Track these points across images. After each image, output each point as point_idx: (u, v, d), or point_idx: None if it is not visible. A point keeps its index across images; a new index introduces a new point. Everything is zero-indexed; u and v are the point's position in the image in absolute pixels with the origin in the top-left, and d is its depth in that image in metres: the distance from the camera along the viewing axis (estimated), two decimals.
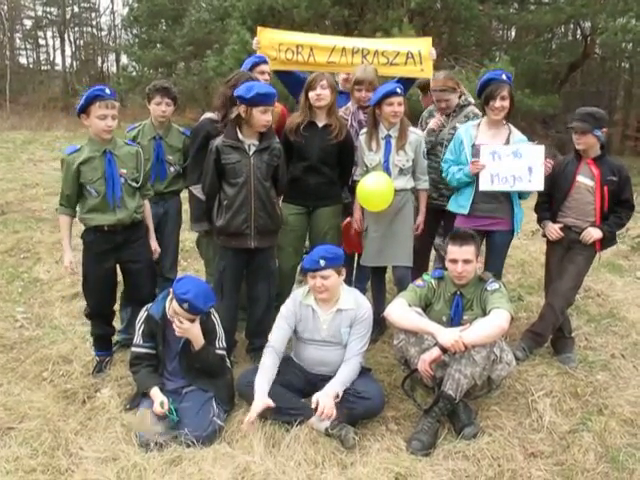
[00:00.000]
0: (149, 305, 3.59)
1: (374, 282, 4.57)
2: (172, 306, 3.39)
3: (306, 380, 3.56)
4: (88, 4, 31.61)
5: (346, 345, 3.53)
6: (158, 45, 18.97)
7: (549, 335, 4.25)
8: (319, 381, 3.47)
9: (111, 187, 3.67)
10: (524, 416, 3.52)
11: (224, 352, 3.58)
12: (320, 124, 4.12)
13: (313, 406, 3.25)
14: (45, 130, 18.29)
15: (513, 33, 20.48)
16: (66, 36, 30.80)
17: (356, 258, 4.66)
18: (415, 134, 4.18)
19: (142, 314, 3.58)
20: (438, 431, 3.35)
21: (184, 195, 4.61)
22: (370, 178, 4.05)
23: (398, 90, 4.00)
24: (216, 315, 3.60)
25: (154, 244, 4.07)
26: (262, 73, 4.29)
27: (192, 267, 6.04)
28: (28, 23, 31.93)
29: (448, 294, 3.67)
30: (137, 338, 3.54)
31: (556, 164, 4.17)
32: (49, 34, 32.08)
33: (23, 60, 31.81)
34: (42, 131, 18.03)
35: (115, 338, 4.19)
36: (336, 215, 4.32)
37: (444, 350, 3.32)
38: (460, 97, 4.56)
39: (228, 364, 3.67)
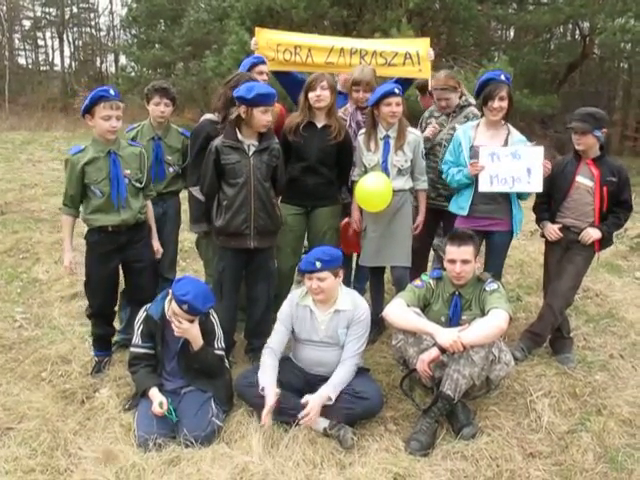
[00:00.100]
0: (148, 305, 3.59)
1: (372, 282, 4.57)
2: (171, 307, 3.39)
3: (305, 380, 3.56)
4: (87, 4, 31.57)
5: (343, 346, 3.53)
6: (157, 45, 18.94)
7: (548, 335, 4.25)
8: (318, 381, 3.47)
9: (116, 187, 3.68)
10: (523, 416, 3.53)
11: (223, 352, 3.58)
12: (319, 125, 4.13)
13: (303, 403, 3.27)
14: (44, 130, 18.27)
15: (512, 33, 20.51)
16: (65, 36, 30.80)
17: (355, 258, 4.66)
18: (414, 134, 4.18)
19: (141, 314, 3.58)
20: (437, 431, 3.35)
21: (183, 195, 4.62)
22: (369, 178, 4.05)
23: (396, 90, 4.00)
24: (215, 316, 3.60)
25: (156, 244, 4.08)
26: (260, 73, 4.30)
27: (191, 267, 6.04)
28: (27, 24, 31.91)
29: (447, 294, 3.67)
30: (136, 338, 3.54)
31: (555, 164, 4.18)
32: (48, 35, 32.07)
33: (22, 61, 31.80)
34: (41, 131, 18.01)
35: (114, 338, 4.19)
36: (335, 215, 4.32)
37: (443, 350, 3.33)
38: (461, 97, 4.57)
39: (227, 364, 3.67)
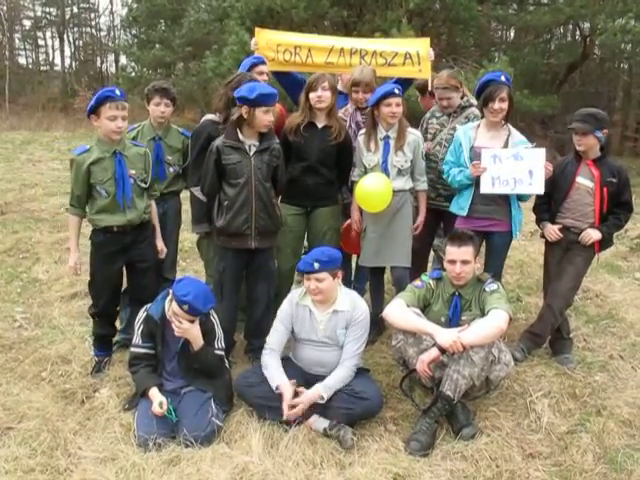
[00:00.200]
0: (148, 305, 3.59)
1: (372, 283, 4.57)
2: (172, 307, 3.39)
3: (304, 380, 3.56)
4: (87, 4, 31.61)
5: (343, 346, 3.53)
6: (157, 45, 18.95)
7: (548, 336, 4.25)
8: (317, 382, 3.46)
9: (121, 188, 3.68)
10: (522, 417, 3.53)
11: (223, 353, 3.58)
12: (320, 125, 4.13)
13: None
14: (44, 130, 18.28)
15: (512, 34, 20.52)
16: (65, 36, 30.82)
17: (355, 259, 4.66)
18: (414, 135, 4.18)
19: (141, 314, 3.58)
20: (436, 432, 3.35)
21: (183, 195, 4.62)
22: (368, 179, 4.05)
23: (396, 91, 4.00)
24: (215, 316, 3.60)
25: (160, 244, 4.09)
26: (260, 74, 4.30)
27: (191, 267, 6.04)
28: (27, 23, 31.95)
29: (446, 295, 3.67)
30: (136, 338, 3.54)
31: (555, 165, 4.18)
32: (48, 34, 32.11)
33: (22, 60, 31.83)
34: (41, 131, 18.02)
35: (114, 338, 4.19)
36: (335, 216, 4.32)
37: (442, 351, 3.33)
38: (462, 98, 4.57)
39: (227, 364, 3.68)
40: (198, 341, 3.42)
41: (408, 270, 4.23)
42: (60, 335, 4.43)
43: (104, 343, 4.04)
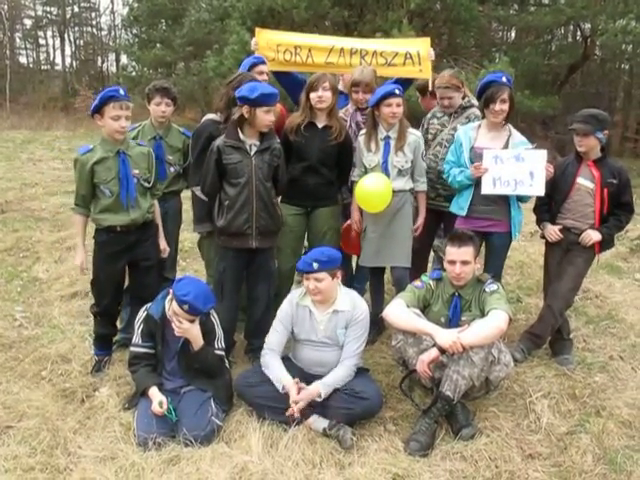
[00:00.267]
0: (148, 305, 3.59)
1: (372, 283, 4.57)
2: (172, 307, 3.39)
3: (304, 381, 3.55)
4: (88, 4, 31.62)
5: (343, 346, 3.53)
6: (158, 45, 18.96)
7: (548, 337, 4.26)
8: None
9: (125, 187, 3.69)
10: (522, 417, 3.53)
11: (223, 352, 3.58)
12: (320, 125, 4.13)
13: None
14: (45, 130, 18.30)
15: (513, 34, 20.52)
16: (66, 36, 30.84)
17: (355, 259, 4.66)
18: (414, 135, 4.18)
19: (141, 314, 3.58)
20: (436, 432, 3.35)
21: (184, 195, 4.62)
22: (368, 179, 4.05)
23: (397, 91, 4.00)
24: (215, 315, 3.60)
25: (163, 243, 4.10)
26: (261, 73, 4.30)
27: (191, 267, 6.04)
28: (28, 23, 31.96)
29: (446, 295, 3.67)
30: (136, 338, 3.54)
31: (556, 166, 4.18)
32: (49, 34, 32.12)
33: (23, 60, 31.85)
34: (42, 130, 18.04)
35: (114, 337, 4.19)
36: (335, 216, 4.32)
37: (442, 351, 3.33)
38: (464, 98, 4.56)
39: (227, 364, 3.68)
40: (198, 341, 3.42)
41: (408, 270, 4.23)
42: (60, 334, 4.43)
43: (104, 342, 4.05)
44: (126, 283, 4.04)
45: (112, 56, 30.86)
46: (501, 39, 20.97)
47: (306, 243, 4.52)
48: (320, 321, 3.54)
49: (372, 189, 4.02)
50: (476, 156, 4.03)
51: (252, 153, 3.75)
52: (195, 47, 17.25)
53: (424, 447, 3.20)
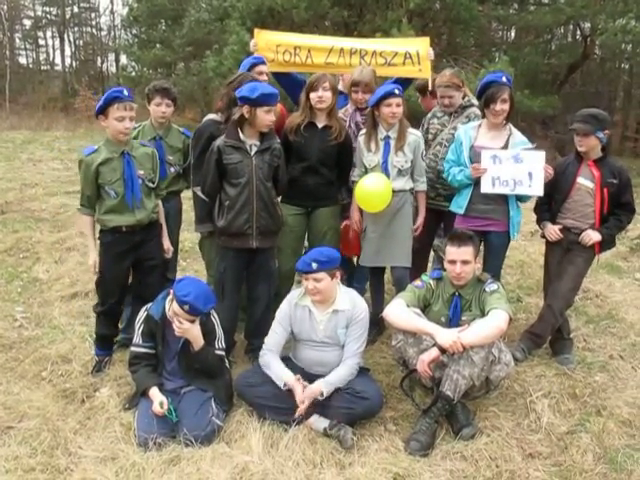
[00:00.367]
0: (149, 305, 3.59)
1: (373, 283, 4.57)
2: (172, 307, 3.39)
3: (306, 380, 3.56)
4: (88, 4, 31.62)
5: (343, 346, 3.53)
6: (157, 45, 18.98)
7: (548, 336, 4.26)
8: None
9: (130, 188, 3.70)
10: (522, 417, 3.53)
11: (223, 352, 3.58)
12: (320, 125, 4.13)
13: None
14: (44, 130, 18.29)
15: (513, 34, 20.54)
16: (66, 36, 30.84)
17: (355, 258, 4.66)
18: (414, 135, 4.18)
19: (142, 314, 3.58)
20: (436, 432, 3.35)
21: (184, 195, 4.62)
22: (368, 179, 4.05)
23: (396, 91, 4.00)
24: (216, 316, 3.60)
25: (167, 243, 4.11)
26: (260, 74, 4.29)
27: (191, 267, 6.04)
28: (28, 23, 31.96)
29: (447, 295, 3.67)
30: (136, 338, 3.54)
31: (557, 165, 4.18)
32: (49, 34, 32.12)
33: (23, 60, 31.85)
34: (41, 131, 18.03)
35: (115, 338, 4.19)
36: (335, 216, 4.32)
37: (442, 351, 3.33)
38: (464, 98, 4.56)
39: (227, 364, 3.68)
40: (198, 341, 3.42)
41: (408, 270, 4.23)
42: (60, 335, 4.43)
43: (106, 343, 4.05)
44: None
45: (112, 56, 30.91)
46: (501, 39, 20.99)
47: (306, 243, 4.52)
48: (320, 321, 3.54)
49: (372, 189, 4.02)
50: (476, 155, 4.03)
51: (252, 153, 3.75)
52: (195, 47, 17.26)
53: (424, 447, 3.20)
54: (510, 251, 4.40)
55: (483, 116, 4.15)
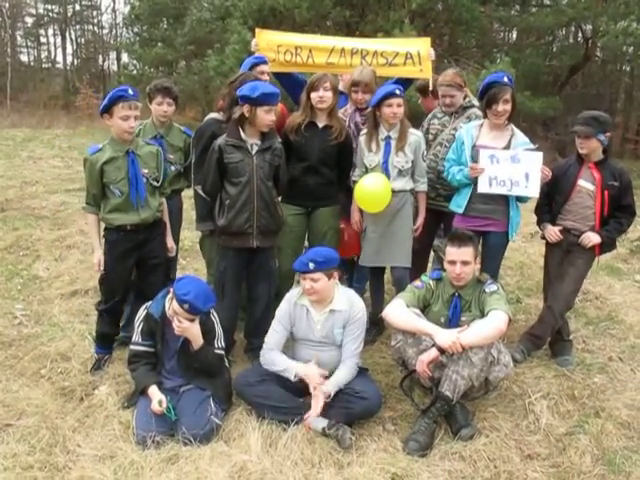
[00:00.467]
0: (148, 303, 3.59)
1: (372, 283, 4.57)
2: (172, 306, 3.39)
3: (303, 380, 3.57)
4: (89, 2, 31.61)
5: (340, 345, 3.54)
6: (159, 44, 18.94)
7: (548, 338, 4.26)
8: None
9: (135, 187, 3.70)
10: (521, 418, 3.53)
11: (223, 352, 3.59)
12: (320, 125, 4.13)
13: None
14: (45, 128, 18.27)
15: (514, 35, 20.52)
16: (67, 34, 30.85)
17: (355, 258, 4.66)
18: (415, 135, 4.18)
19: (141, 312, 3.58)
20: (435, 432, 3.36)
21: (184, 194, 4.62)
22: (368, 179, 4.05)
23: (397, 92, 4.00)
24: (215, 315, 3.60)
25: (170, 241, 4.11)
26: (262, 74, 4.29)
27: (191, 266, 6.04)
28: (29, 21, 31.94)
29: (446, 295, 3.67)
30: (136, 336, 3.54)
31: (558, 166, 4.19)
32: (50, 32, 32.11)
33: (24, 58, 31.86)
34: (42, 129, 18.00)
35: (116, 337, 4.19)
36: (335, 216, 4.32)
37: (442, 351, 3.33)
38: (465, 98, 4.56)
39: (226, 363, 3.68)
40: (198, 340, 3.42)
41: (408, 270, 4.23)
42: (60, 332, 4.43)
43: (106, 341, 4.05)
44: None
45: (113, 54, 30.93)
46: (502, 40, 20.97)
47: (307, 243, 4.52)
48: (317, 320, 3.54)
49: (371, 189, 4.02)
50: (477, 155, 4.02)
51: (253, 152, 3.75)
52: (196, 46, 17.26)
53: (423, 447, 3.21)
54: (510, 252, 4.41)
55: (485, 116, 4.14)
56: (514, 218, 4.10)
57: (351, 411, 3.34)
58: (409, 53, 4.64)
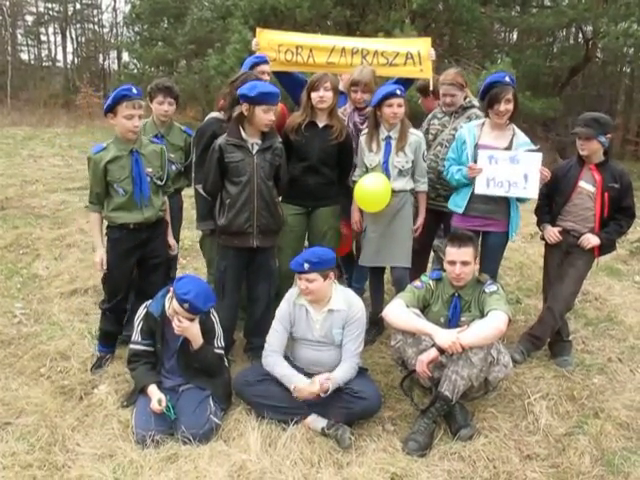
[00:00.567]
0: (148, 302, 3.59)
1: (372, 282, 4.57)
2: (172, 305, 3.39)
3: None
4: (90, 1, 31.61)
5: (339, 345, 3.53)
6: (159, 43, 18.95)
7: (547, 339, 4.26)
8: None
9: (139, 186, 3.70)
10: (520, 418, 3.53)
11: (222, 351, 3.58)
12: (321, 124, 4.13)
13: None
14: (45, 126, 18.30)
15: (515, 36, 20.53)
16: (68, 33, 30.85)
17: (355, 258, 4.67)
18: (415, 135, 4.18)
19: (141, 311, 3.58)
20: (434, 432, 3.36)
21: (184, 193, 4.62)
22: (368, 179, 4.05)
23: (398, 92, 4.00)
24: (215, 314, 3.60)
25: (172, 240, 4.12)
26: (262, 73, 4.29)
27: (191, 265, 6.04)
28: (30, 19, 31.95)
29: (446, 295, 3.67)
30: (135, 335, 3.54)
31: (559, 167, 4.18)
32: (51, 30, 32.12)
33: (24, 56, 31.84)
34: (42, 127, 18.03)
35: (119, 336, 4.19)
36: (335, 216, 4.32)
37: (441, 351, 3.33)
38: (465, 99, 4.56)
39: (226, 363, 3.68)
40: (198, 340, 3.42)
41: (408, 270, 4.23)
42: (59, 331, 4.43)
43: (109, 340, 4.04)
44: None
45: (114, 53, 30.94)
46: (503, 40, 20.96)
47: (307, 243, 4.52)
48: (316, 320, 3.54)
49: (371, 189, 4.02)
50: (476, 156, 4.02)
51: (254, 152, 3.75)
52: (197, 45, 17.27)
53: (422, 447, 3.21)
54: (510, 253, 4.41)
55: (486, 116, 4.14)
56: (514, 218, 4.10)
57: (351, 411, 3.34)
58: (409, 53, 4.64)
